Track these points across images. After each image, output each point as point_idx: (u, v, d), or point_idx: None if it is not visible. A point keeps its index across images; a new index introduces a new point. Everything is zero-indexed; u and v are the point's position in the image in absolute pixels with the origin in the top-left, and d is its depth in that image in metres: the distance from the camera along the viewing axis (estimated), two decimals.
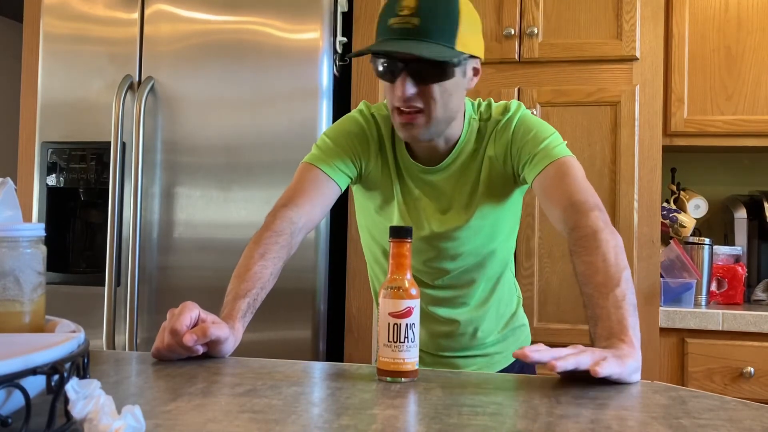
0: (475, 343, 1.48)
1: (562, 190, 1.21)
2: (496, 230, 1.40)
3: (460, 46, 1.20)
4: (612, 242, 1.09)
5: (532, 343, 1.98)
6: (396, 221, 1.38)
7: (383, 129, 1.38)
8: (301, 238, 1.28)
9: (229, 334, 1.07)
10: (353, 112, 1.41)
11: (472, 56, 1.25)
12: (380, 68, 1.23)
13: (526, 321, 1.60)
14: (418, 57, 1.17)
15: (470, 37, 1.23)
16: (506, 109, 1.35)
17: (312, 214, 1.30)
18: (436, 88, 1.21)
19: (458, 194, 1.36)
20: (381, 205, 1.41)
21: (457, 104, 1.28)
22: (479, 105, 1.38)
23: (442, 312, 1.44)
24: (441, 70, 1.20)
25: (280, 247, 1.22)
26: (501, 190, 1.35)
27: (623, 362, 0.92)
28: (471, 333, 1.46)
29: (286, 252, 1.24)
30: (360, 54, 1.25)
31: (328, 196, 1.33)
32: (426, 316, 1.39)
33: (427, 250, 1.39)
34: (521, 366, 1.51)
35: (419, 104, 1.22)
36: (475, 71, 1.29)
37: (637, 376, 0.95)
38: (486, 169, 1.34)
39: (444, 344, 1.47)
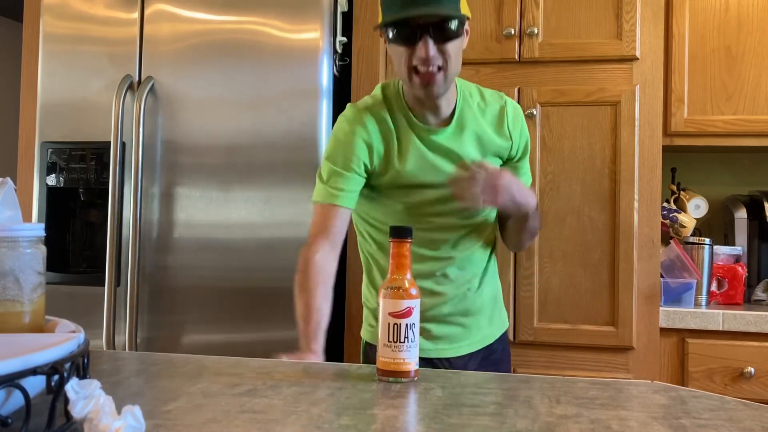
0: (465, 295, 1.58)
1: None
2: None
3: (462, 9, 1.38)
4: None
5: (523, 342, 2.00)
6: (410, 175, 1.47)
7: (379, 115, 1.49)
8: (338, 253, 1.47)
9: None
10: (341, 122, 1.50)
11: (467, 17, 1.43)
12: (398, 35, 1.38)
13: (505, 316, 1.71)
14: (443, 16, 1.34)
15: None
16: (506, 101, 1.56)
17: (341, 237, 1.47)
18: (452, 46, 1.38)
19: (464, 150, 1.49)
20: (395, 175, 1.49)
21: (460, 62, 1.43)
22: (466, 88, 1.56)
23: (432, 253, 1.53)
24: (455, 29, 1.37)
25: (328, 283, 1.44)
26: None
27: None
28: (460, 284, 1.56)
29: (332, 278, 1.45)
30: (387, 25, 1.38)
31: (348, 216, 1.47)
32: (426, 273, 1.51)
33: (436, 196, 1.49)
34: (503, 348, 1.66)
35: (440, 63, 1.37)
36: (467, 32, 1.46)
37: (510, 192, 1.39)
38: (483, 135, 1.51)
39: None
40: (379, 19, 1.40)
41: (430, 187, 1.48)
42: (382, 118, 1.48)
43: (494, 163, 1.53)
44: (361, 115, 1.48)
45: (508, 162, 1.57)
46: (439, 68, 1.37)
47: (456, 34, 1.37)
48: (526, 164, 1.61)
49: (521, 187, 1.44)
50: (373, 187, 1.50)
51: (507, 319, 1.72)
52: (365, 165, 1.46)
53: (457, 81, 1.50)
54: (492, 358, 1.62)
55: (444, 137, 1.48)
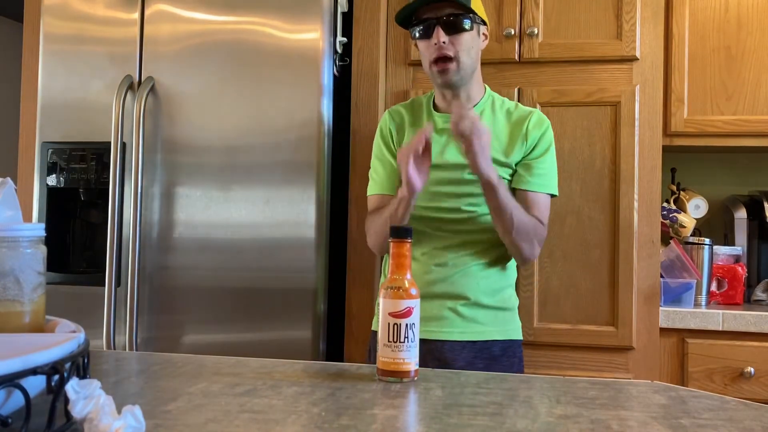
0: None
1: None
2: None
3: (474, 6, 1.60)
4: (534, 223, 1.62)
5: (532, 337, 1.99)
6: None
7: (396, 110, 1.76)
8: None
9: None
10: (380, 122, 1.79)
11: (483, 21, 1.64)
12: (419, 29, 1.61)
13: (518, 322, 1.74)
14: (452, 2, 1.56)
15: (478, 4, 1.63)
16: (536, 111, 1.70)
17: None
18: (462, 37, 1.59)
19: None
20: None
21: (476, 58, 1.65)
22: (500, 97, 1.74)
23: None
24: (464, 22, 1.59)
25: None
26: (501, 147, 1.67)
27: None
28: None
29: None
30: (404, 14, 1.63)
31: (380, 199, 1.72)
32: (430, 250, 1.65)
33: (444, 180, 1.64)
34: (504, 353, 1.66)
35: (450, 52, 1.58)
36: (485, 36, 1.68)
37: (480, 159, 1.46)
38: (500, 133, 1.65)
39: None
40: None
41: (437, 167, 1.60)
42: (397, 111, 1.76)
43: (512, 161, 1.66)
44: (385, 114, 1.78)
45: (524, 158, 1.66)
46: (452, 58, 1.58)
47: (464, 28, 1.58)
48: (543, 165, 1.67)
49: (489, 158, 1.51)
50: None
51: (515, 335, 1.70)
52: (392, 151, 1.71)
53: (491, 91, 1.72)
54: (490, 351, 1.63)
55: None
